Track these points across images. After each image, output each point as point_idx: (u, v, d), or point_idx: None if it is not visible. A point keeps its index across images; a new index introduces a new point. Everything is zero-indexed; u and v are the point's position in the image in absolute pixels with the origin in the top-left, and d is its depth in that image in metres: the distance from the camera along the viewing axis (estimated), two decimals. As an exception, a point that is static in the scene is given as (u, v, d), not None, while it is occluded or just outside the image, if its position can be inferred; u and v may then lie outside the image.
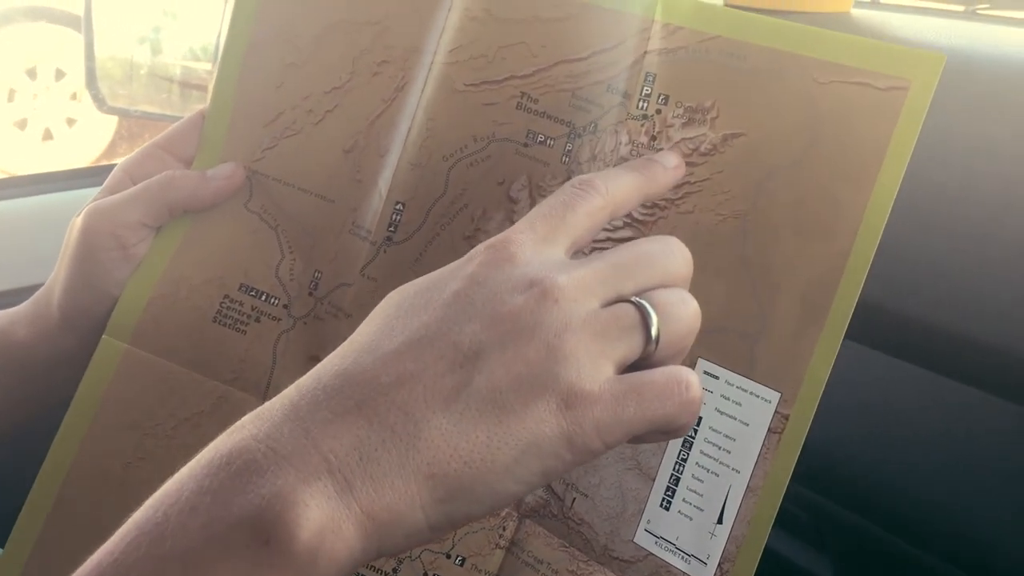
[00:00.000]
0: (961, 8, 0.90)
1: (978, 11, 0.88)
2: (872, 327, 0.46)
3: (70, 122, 2.08)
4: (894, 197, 0.36)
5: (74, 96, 2.05)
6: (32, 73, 2.04)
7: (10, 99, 2.03)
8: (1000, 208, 0.50)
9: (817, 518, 0.66)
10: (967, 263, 0.50)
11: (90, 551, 0.41)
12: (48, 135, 2.07)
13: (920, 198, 0.50)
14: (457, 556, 0.41)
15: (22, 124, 2.05)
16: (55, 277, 0.44)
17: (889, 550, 0.63)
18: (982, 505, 0.58)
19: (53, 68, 2.05)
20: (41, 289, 0.45)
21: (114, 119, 2.05)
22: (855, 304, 0.36)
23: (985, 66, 0.55)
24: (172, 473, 0.42)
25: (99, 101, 0.98)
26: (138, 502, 0.41)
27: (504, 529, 0.41)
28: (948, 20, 0.66)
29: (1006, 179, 0.50)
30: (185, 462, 0.42)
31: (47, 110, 2.05)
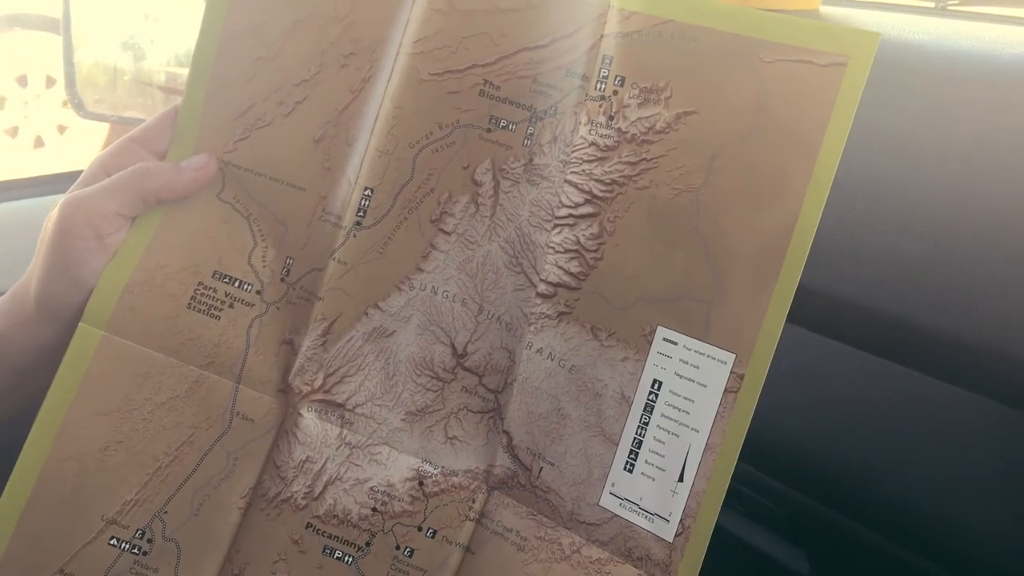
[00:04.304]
0: (932, 4, 0.92)
1: (948, 7, 0.89)
2: (846, 323, 0.47)
3: (61, 129, 2.09)
4: (836, 164, 0.38)
5: (65, 103, 2.05)
6: (22, 80, 2.04)
7: (0, 107, 2.04)
8: (968, 203, 0.51)
9: (793, 513, 0.67)
10: (938, 258, 0.51)
11: (72, 528, 0.42)
12: (40, 142, 2.07)
13: (891, 194, 0.51)
14: (428, 529, 0.43)
15: (13, 132, 2.06)
16: (32, 268, 0.44)
17: (864, 544, 0.64)
18: (955, 498, 0.59)
19: (43, 75, 2.05)
20: (18, 282, 0.45)
21: (105, 127, 2.06)
22: (803, 267, 0.38)
23: (955, 63, 0.56)
24: (148, 456, 0.43)
25: (78, 106, 0.98)
26: (117, 483, 0.43)
27: (473, 502, 0.43)
28: (918, 16, 0.66)
29: (975, 174, 0.51)
30: (162, 445, 0.44)
31: (38, 117, 2.06)
